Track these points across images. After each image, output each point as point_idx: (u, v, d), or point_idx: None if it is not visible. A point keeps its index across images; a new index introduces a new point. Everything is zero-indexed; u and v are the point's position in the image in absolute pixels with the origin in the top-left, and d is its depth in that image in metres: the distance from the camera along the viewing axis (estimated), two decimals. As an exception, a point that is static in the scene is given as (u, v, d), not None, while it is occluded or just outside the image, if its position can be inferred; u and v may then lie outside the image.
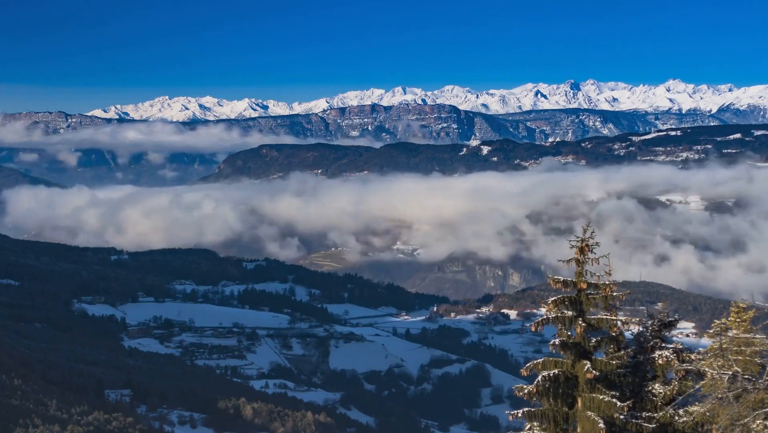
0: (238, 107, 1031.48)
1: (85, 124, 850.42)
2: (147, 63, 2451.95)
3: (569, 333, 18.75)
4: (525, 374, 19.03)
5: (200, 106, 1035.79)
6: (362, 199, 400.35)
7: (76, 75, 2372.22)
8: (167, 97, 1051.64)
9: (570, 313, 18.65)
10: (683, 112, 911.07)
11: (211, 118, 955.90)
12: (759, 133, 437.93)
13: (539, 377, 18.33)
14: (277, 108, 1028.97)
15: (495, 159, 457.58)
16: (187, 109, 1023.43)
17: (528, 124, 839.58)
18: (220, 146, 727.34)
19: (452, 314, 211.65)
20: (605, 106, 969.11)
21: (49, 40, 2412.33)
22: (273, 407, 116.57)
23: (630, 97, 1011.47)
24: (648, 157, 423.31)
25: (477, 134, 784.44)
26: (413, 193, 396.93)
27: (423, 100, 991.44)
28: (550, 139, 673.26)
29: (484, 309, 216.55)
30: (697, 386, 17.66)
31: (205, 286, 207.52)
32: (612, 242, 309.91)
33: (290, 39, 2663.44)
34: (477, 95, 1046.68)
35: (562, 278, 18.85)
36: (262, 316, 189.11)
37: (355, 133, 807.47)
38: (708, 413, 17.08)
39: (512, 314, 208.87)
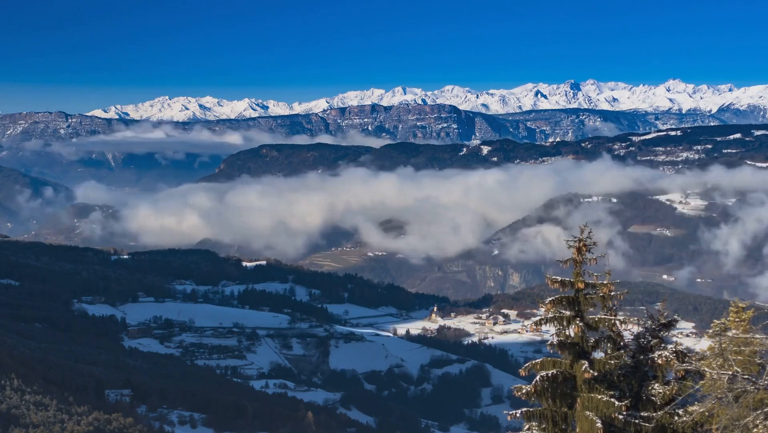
0: (238, 107, 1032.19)
1: (85, 125, 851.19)
2: (147, 63, 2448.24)
3: (568, 333, 18.72)
4: (523, 374, 19.02)
5: (200, 106, 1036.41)
6: (362, 199, 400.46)
7: (76, 74, 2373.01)
8: (167, 97, 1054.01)
9: (568, 313, 18.62)
10: (683, 112, 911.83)
11: (211, 118, 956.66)
12: (759, 133, 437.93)
13: (537, 377, 18.30)
14: (277, 108, 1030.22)
15: (495, 159, 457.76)
16: (187, 109, 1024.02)
17: (528, 124, 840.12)
18: (220, 146, 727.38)
19: (452, 314, 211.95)
20: (605, 106, 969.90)
21: (49, 39, 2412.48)
22: (273, 407, 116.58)
23: (630, 97, 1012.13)
24: (648, 157, 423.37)
25: (477, 134, 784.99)
26: (413, 193, 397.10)
27: (423, 100, 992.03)
28: (550, 139, 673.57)
29: (484, 309, 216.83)
30: (696, 387, 17.63)
31: (205, 286, 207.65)
32: (612, 242, 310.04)
33: (290, 39, 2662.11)
34: (477, 95, 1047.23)
35: (560, 278, 18.82)
36: (262, 316, 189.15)
37: (355, 133, 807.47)
38: (707, 413, 17.05)
39: (512, 314, 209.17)
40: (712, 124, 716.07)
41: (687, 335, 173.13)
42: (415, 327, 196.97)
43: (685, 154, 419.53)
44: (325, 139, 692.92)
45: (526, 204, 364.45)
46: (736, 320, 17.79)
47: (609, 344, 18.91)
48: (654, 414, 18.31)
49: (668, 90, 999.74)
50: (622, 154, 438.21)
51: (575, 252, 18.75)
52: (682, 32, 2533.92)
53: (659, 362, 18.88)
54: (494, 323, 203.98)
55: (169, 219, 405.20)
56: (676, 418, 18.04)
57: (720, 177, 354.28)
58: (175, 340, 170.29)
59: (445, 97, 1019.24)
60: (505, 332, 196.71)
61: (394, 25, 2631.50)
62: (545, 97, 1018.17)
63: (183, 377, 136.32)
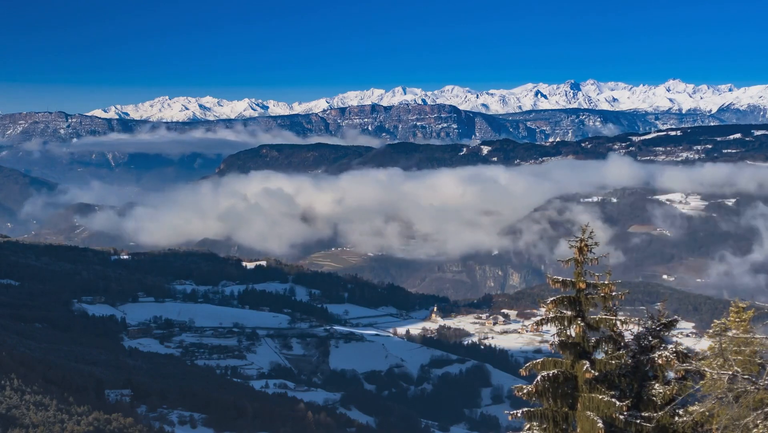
0: (238, 107, 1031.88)
1: (85, 125, 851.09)
2: (147, 63, 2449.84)
3: (569, 333, 18.74)
4: (524, 374, 19.03)
5: (200, 106, 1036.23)
6: (362, 199, 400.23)
7: (76, 74, 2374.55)
8: (167, 97, 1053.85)
9: (569, 313, 18.65)
10: (683, 112, 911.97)
11: (211, 118, 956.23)
12: (759, 133, 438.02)
13: (538, 377, 18.33)
14: (277, 108, 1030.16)
15: (495, 159, 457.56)
16: (187, 109, 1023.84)
17: (528, 124, 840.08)
18: (220, 146, 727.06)
19: (452, 315, 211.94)
20: (605, 106, 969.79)
21: (49, 39, 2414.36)
22: (273, 407, 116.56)
23: (630, 97, 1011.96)
24: (648, 157, 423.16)
25: (477, 134, 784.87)
26: (413, 193, 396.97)
27: (423, 100, 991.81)
28: (551, 139, 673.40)
29: (484, 309, 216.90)
30: (696, 387, 17.65)
31: (205, 286, 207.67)
32: (612, 242, 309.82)
33: (290, 39, 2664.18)
34: (477, 95, 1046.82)
35: (561, 278, 18.85)
36: (262, 316, 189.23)
37: (355, 133, 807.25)
38: (708, 413, 17.08)
39: (512, 314, 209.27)
40: (712, 124, 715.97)
41: (687, 335, 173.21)
42: (415, 327, 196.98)
43: (685, 154, 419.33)
44: (325, 139, 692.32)
45: (526, 204, 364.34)
46: (736, 320, 17.81)
47: (610, 344, 18.94)
48: (654, 414, 18.34)
49: (668, 90, 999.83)
50: (622, 154, 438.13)
51: (576, 252, 18.78)
52: (682, 32, 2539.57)
53: (659, 362, 18.91)
54: (494, 323, 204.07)
55: (169, 219, 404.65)
56: (676, 418, 18.08)
57: (720, 177, 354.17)
58: (175, 340, 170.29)
59: (445, 97, 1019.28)
60: (505, 332, 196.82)
61: (394, 25, 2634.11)
62: (545, 97, 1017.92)
63: (183, 377, 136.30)
